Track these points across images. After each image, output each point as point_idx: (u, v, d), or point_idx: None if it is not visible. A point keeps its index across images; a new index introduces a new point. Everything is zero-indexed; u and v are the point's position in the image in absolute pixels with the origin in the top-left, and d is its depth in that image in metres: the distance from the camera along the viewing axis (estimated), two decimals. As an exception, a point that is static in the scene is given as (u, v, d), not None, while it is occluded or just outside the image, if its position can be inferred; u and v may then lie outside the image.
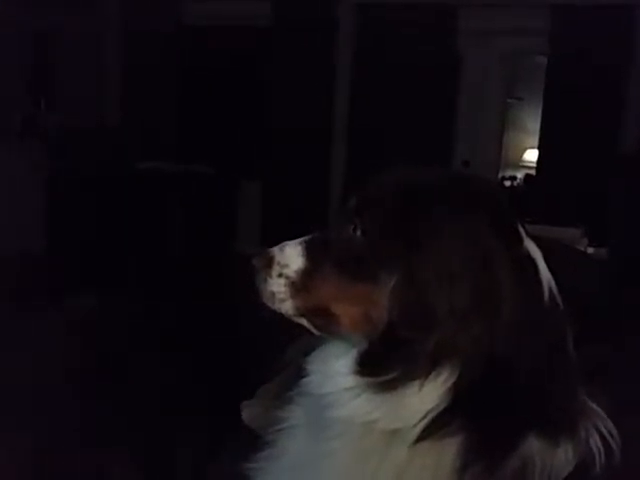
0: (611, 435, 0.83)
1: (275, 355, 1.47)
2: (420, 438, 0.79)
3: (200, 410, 3.01)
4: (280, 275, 0.92)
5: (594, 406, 0.85)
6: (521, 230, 0.86)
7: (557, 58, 5.66)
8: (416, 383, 0.79)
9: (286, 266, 0.92)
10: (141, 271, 5.66)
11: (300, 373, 0.96)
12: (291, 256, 0.92)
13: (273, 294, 0.92)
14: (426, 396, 0.79)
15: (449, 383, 0.79)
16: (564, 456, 0.79)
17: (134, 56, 6.88)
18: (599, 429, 0.83)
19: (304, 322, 0.93)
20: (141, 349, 3.88)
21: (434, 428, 0.78)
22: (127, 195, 5.98)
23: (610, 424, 0.84)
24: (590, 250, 3.17)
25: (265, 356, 1.44)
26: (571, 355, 0.85)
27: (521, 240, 0.85)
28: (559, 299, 0.85)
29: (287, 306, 0.92)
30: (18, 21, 5.99)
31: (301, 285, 0.91)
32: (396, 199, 0.88)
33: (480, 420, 0.79)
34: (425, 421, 0.79)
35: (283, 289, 0.91)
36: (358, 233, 0.88)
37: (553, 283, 0.85)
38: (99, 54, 6.96)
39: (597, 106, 5.50)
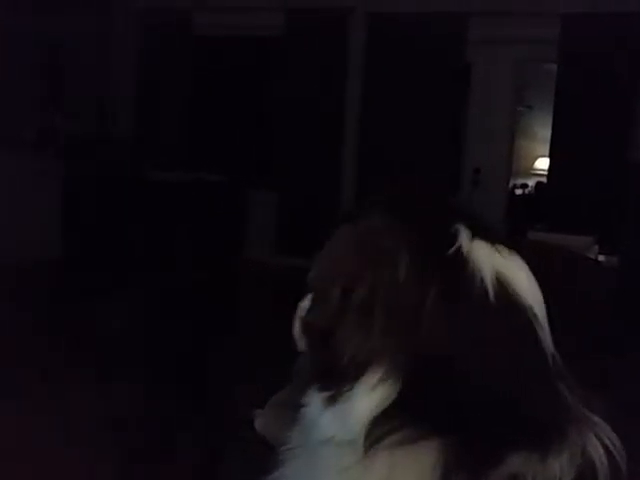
0: (613, 444, 0.80)
1: (286, 364, 1.48)
2: (370, 441, 0.79)
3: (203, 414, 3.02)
4: (299, 318, 0.98)
5: (590, 414, 0.82)
6: (460, 232, 0.85)
7: (567, 66, 5.67)
8: (348, 387, 0.82)
9: (301, 308, 0.98)
10: (151, 279, 5.69)
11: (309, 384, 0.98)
12: (307, 297, 0.98)
13: (295, 336, 0.99)
14: (360, 397, 0.81)
15: (375, 380, 0.80)
16: (558, 466, 0.77)
17: (146, 65, 6.94)
18: (599, 438, 0.80)
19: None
20: (145, 359, 3.90)
21: (381, 429, 0.79)
22: (139, 203, 6.01)
23: (611, 432, 0.81)
24: (601, 258, 3.17)
25: (275, 363, 1.45)
26: (546, 359, 0.82)
27: (450, 243, 0.84)
28: (516, 299, 0.83)
29: (301, 343, 0.97)
30: (33, 31, 6.06)
31: (306, 321, 0.97)
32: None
33: (453, 429, 0.78)
34: (370, 424, 0.79)
35: (298, 329, 0.98)
36: None
37: (514, 283, 0.84)
38: (112, 64, 7.02)
39: (607, 114, 5.50)
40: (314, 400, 0.88)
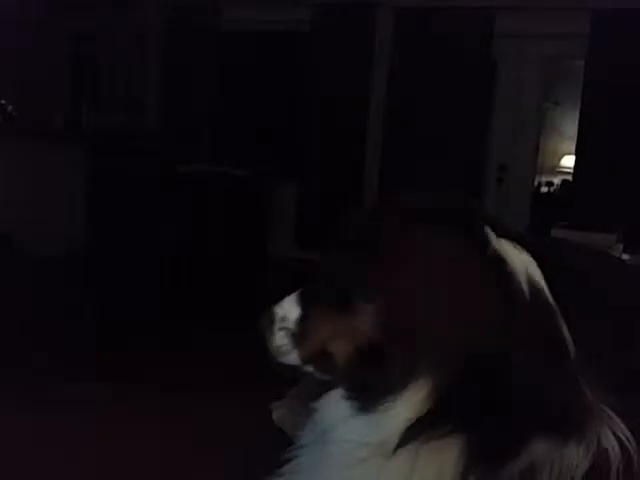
0: (626, 437, 0.83)
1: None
2: (402, 443, 0.81)
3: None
4: (281, 329, 0.96)
5: (604, 407, 0.85)
6: (488, 233, 0.87)
7: (594, 62, 5.60)
8: (395, 396, 0.82)
9: (285, 319, 0.96)
10: (178, 272, 5.74)
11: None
12: (289, 308, 0.96)
13: (279, 348, 0.96)
14: (402, 408, 0.81)
15: (423, 392, 0.81)
16: (575, 456, 0.80)
17: (173, 59, 6.99)
18: (612, 429, 0.83)
19: (311, 370, 0.96)
20: (169, 352, 3.93)
21: (415, 431, 0.81)
22: (165, 196, 6.07)
23: (624, 426, 0.84)
24: (625, 257, 3.14)
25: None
26: (569, 355, 0.85)
27: (487, 243, 0.86)
28: (545, 296, 0.86)
29: (292, 357, 0.96)
30: (60, 23, 6.13)
31: (300, 333, 0.94)
32: (360, 227, 0.93)
33: (477, 423, 0.80)
34: (405, 427, 0.81)
35: (285, 341, 0.95)
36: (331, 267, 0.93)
37: (540, 281, 0.87)
38: (139, 56, 7.07)
39: (635, 111, 5.43)
40: (338, 407, 0.89)
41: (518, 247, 0.88)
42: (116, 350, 3.87)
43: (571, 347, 0.86)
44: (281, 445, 1.08)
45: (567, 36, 5.81)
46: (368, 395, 0.85)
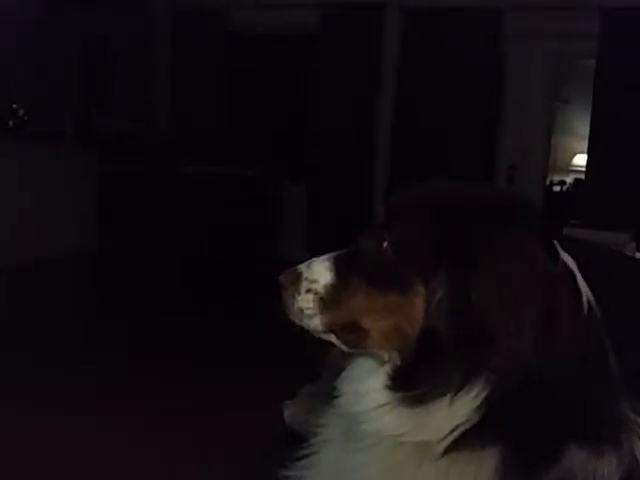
0: None
1: (316, 357, 1.49)
2: (448, 451, 0.78)
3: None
4: (309, 291, 0.91)
5: (636, 417, 0.84)
6: (556, 243, 0.86)
7: (605, 61, 5.57)
8: (447, 397, 0.79)
9: (315, 281, 0.91)
10: (189, 274, 5.75)
11: (339, 375, 0.97)
12: (319, 271, 0.92)
13: (302, 310, 0.91)
14: (456, 411, 0.78)
15: (481, 397, 0.77)
16: (608, 467, 0.78)
17: (182, 61, 7.00)
18: None
19: (332, 338, 0.92)
20: (173, 351, 3.94)
21: (463, 442, 0.78)
22: (173, 197, 6.08)
23: None
24: (638, 255, 3.12)
25: (306, 358, 1.46)
26: (611, 365, 0.83)
27: (558, 254, 0.84)
28: (597, 310, 0.84)
29: (316, 322, 0.91)
30: (73, 27, 6.15)
31: (330, 300, 0.90)
32: (426, 213, 0.87)
33: (518, 433, 0.78)
34: (454, 435, 0.78)
35: (312, 305, 0.90)
36: (386, 246, 0.87)
37: (590, 294, 0.84)
38: (149, 61, 7.09)
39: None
40: (375, 393, 0.85)
41: (568, 256, 0.87)
42: (130, 350, 3.90)
43: (612, 359, 0.84)
44: (292, 443, 1.07)
45: (579, 35, 5.77)
46: (417, 388, 0.81)
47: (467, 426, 0.78)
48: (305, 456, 1.00)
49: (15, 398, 3.05)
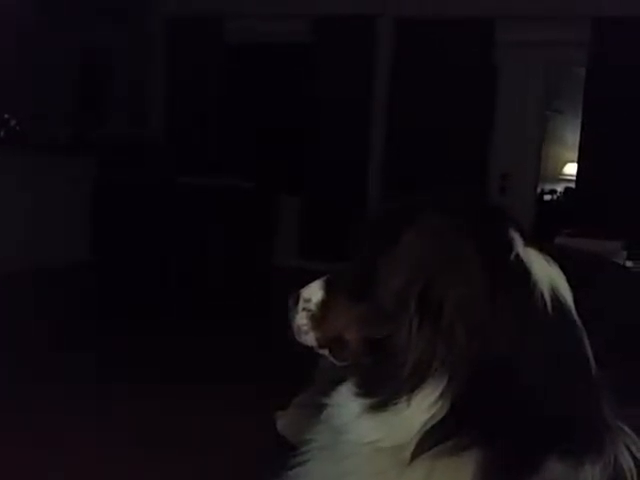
0: None
1: (309, 367, 1.50)
2: (423, 450, 0.79)
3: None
4: (303, 309, 0.98)
5: (622, 425, 0.83)
6: (515, 239, 0.86)
7: (596, 70, 5.61)
8: (404, 398, 0.81)
9: (308, 300, 0.98)
10: (184, 282, 5.74)
11: (332, 385, 0.98)
12: (313, 290, 0.98)
13: (299, 327, 0.98)
14: (417, 407, 0.80)
15: (436, 394, 0.79)
16: (591, 475, 0.78)
17: (177, 71, 7.02)
18: (629, 448, 0.81)
19: (326, 353, 0.98)
20: (173, 363, 3.94)
21: (432, 440, 0.79)
22: (168, 208, 6.07)
23: (638, 441, 0.82)
24: (629, 263, 3.13)
25: (300, 367, 1.47)
26: (591, 371, 0.83)
27: (510, 249, 0.84)
28: (569, 311, 0.85)
29: (310, 338, 0.98)
30: (67, 37, 6.16)
31: (320, 316, 0.97)
32: (380, 223, 0.95)
33: (496, 439, 0.78)
34: (423, 430, 0.80)
35: (305, 321, 0.97)
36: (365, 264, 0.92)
37: (565, 295, 0.85)
38: (144, 71, 7.10)
39: (637, 119, 5.43)
40: (350, 404, 0.87)
41: (549, 259, 0.87)
42: (128, 356, 3.89)
43: (592, 363, 0.84)
44: (283, 450, 1.08)
45: (569, 44, 5.82)
46: (378, 392, 0.83)
47: (434, 421, 0.79)
48: (295, 465, 1.02)
49: (15, 398, 3.07)
